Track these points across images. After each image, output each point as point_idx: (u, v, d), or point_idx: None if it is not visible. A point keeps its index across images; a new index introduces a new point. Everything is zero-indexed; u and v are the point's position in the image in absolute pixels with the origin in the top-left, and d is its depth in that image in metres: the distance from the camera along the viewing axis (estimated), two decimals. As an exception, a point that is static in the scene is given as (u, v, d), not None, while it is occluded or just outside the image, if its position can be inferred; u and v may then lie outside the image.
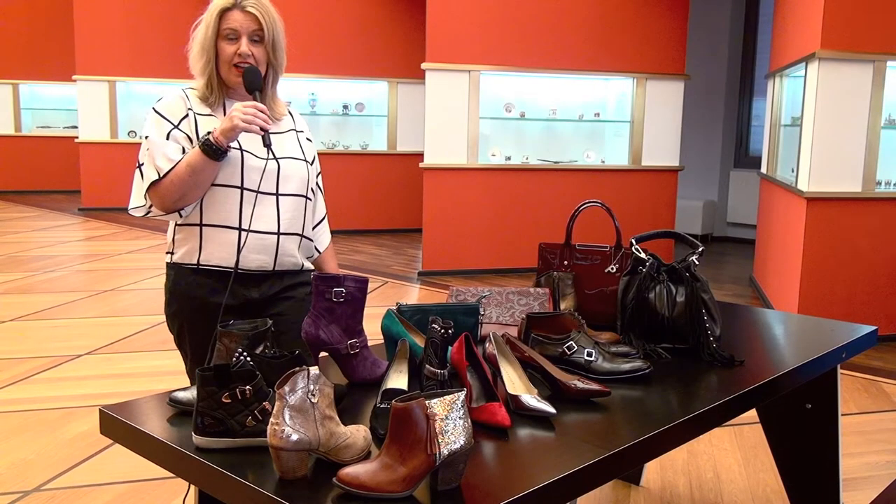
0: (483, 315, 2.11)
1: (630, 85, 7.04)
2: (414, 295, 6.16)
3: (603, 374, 1.84)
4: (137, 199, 2.03)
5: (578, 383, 1.71)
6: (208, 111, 2.03)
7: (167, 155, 1.96)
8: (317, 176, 2.23)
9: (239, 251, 1.99)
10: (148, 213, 2.02)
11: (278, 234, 2.05)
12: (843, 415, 3.09)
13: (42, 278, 6.41)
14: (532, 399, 1.61)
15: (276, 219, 2.04)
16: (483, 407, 1.57)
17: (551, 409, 1.59)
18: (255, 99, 1.99)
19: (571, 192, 6.85)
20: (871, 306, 4.97)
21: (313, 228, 2.24)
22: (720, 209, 9.08)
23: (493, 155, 6.95)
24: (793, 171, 5.31)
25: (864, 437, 3.53)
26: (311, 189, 2.17)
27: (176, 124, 1.99)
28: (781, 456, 2.65)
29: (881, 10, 4.77)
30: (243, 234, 2.00)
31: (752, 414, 2.74)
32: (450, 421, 1.27)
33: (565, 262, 2.37)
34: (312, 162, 2.19)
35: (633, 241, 2.17)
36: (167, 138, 1.97)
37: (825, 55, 4.73)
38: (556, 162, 7.04)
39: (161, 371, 4.17)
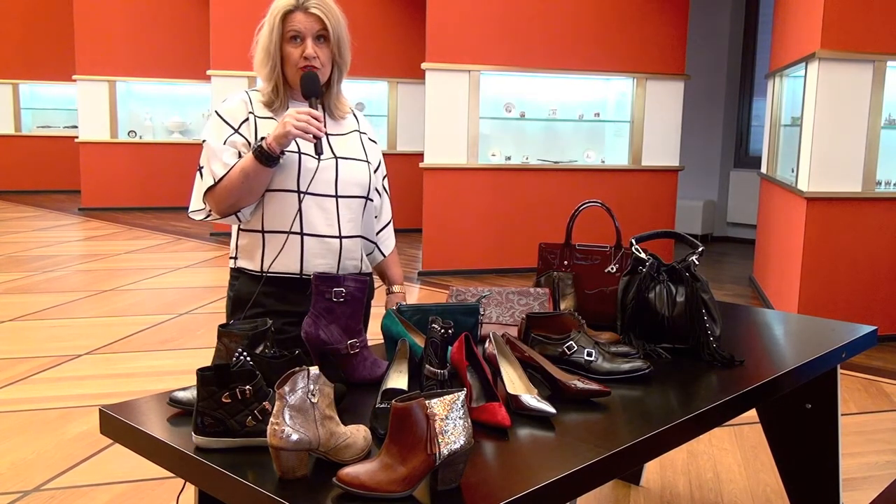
0: (483, 315, 2.11)
1: (630, 85, 7.04)
2: (414, 295, 6.16)
3: (603, 374, 1.84)
4: (197, 203, 2.02)
5: (578, 383, 1.71)
6: (269, 114, 2.01)
7: (223, 160, 1.95)
8: (383, 179, 2.21)
9: (302, 256, 1.98)
10: (207, 216, 2.01)
11: (340, 237, 2.02)
12: (843, 415, 3.09)
13: (42, 278, 6.41)
14: (532, 399, 1.61)
15: (336, 221, 2.02)
16: (483, 407, 1.57)
17: (551, 409, 1.59)
18: (311, 105, 1.97)
19: (571, 192, 6.85)
20: (871, 306, 4.97)
21: (378, 233, 2.22)
22: (720, 209, 9.08)
23: (493, 155, 6.95)
24: (793, 171, 5.31)
25: (864, 437, 3.53)
26: (376, 190, 2.16)
27: (236, 128, 1.98)
28: (781, 456, 2.65)
29: (881, 10, 4.77)
30: (305, 238, 1.98)
31: (752, 414, 2.74)
32: (450, 421, 1.27)
33: (565, 262, 2.37)
34: (378, 166, 2.16)
35: (633, 241, 2.17)
36: (224, 143, 1.96)
37: (825, 55, 4.73)
38: (556, 162, 7.04)
39: (161, 371, 4.17)
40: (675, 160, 7.20)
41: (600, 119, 7.18)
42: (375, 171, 2.16)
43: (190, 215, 2.04)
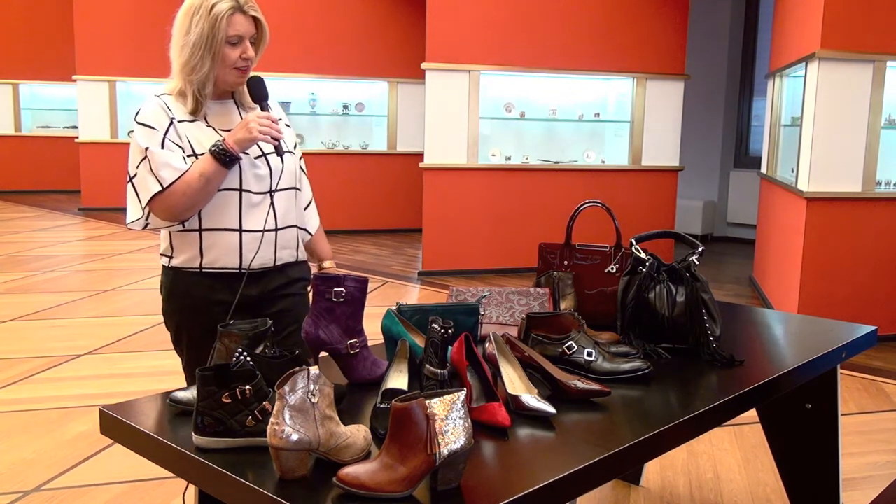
0: (483, 315, 2.11)
1: (630, 85, 7.04)
2: (414, 295, 6.16)
3: (603, 374, 1.84)
4: (135, 212, 2.00)
5: (578, 383, 1.71)
6: (191, 117, 2.00)
7: (171, 164, 1.92)
8: (299, 160, 2.22)
9: (241, 252, 2.01)
10: (146, 225, 2.01)
11: (276, 229, 2.06)
12: (843, 415, 3.09)
13: (42, 278, 6.41)
14: (532, 399, 1.61)
15: (273, 215, 2.05)
16: (483, 407, 1.57)
17: (551, 409, 1.59)
18: (263, 108, 2.00)
19: (571, 192, 6.84)
20: (871, 306, 4.97)
21: (306, 205, 2.26)
22: (720, 209, 9.08)
23: (493, 155, 6.95)
24: (793, 171, 5.31)
25: (864, 437, 3.53)
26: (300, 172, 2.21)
27: (164, 133, 1.96)
28: (781, 456, 2.65)
29: (881, 10, 4.77)
30: (244, 234, 2.01)
31: (752, 414, 2.74)
32: (450, 421, 1.27)
33: (565, 262, 2.37)
34: (295, 148, 2.19)
35: (633, 241, 2.17)
36: (162, 147, 1.94)
37: (825, 55, 4.73)
38: (556, 162, 7.04)
39: (161, 371, 4.17)
40: (675, 160, 7.20)
41: (600, 119, 7.18)
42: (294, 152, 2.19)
43: (129, 226, 2.04)
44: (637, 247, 2.15)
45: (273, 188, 2.06)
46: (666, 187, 7.18)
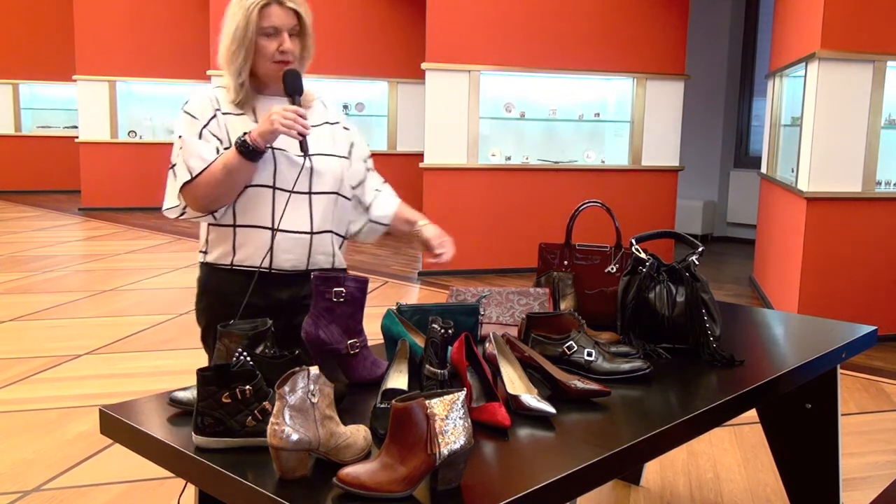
0: (483, 315, 2.11)
1: (630, 85, 7.04)
2: (414, 295, 6.16)
3: (603, 374, 1.84)
4: (171, 200, 2.01)
5: (578, 383, 1.71)
6: (238, 111, 2.00)
7: (201, 154, 1.94)
8: (366, 159, 2.21)
9: (271, 251, 1.99)
10: (182, 213, 2.00)
11: (311, 232, 2.03)
12: (843, 415, 3.09)
13: (42, 278, 6.41)
14: (532, 399, 1.61)
15: (308, 217, 2.02)
16: (483, 407, 1.57)
17: (551, 409, 1.59)
18: (294, 102, 1.96)
19: (571, 192, 6.84)
20: (871, 306, 4.97)
21: (372, 200, 2.21)
22: (720, 209, 9.08)
23: (493, 155, 6.95)
24: (793, 171, 5.31)
25: (864, 437, 3.53)
26: (367, 169, 2.19)
27: (205, 124, 1.98)
28: (781, 456, 2.65)
29: (881, 10, 4.77)
30: (276, 233, 1.98)
31: (752, 414, 2.73)
32: (450, 421, 1.27)
33: (565, 262, 2.36)
34: (350, 149, 2.15)
35: (633, 241, 2.17)
36: (199, 137, 1.96)
37: (825, 55, 4.72)
38: (556, 162, 7.04)
39: (161, 371, 4.17)
40: (675, 160, 7.20)
41: (600, 119, 7.18)
42: (349, 157, 2.15)
43: (164, 213, 2.04)
44: (637, 247, 2.15)
45: (311, 189, 2.02)
46: (666, 187, 7.18)
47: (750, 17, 8.86)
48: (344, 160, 2.11)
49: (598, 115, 7.11)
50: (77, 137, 10.31)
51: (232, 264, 2.02)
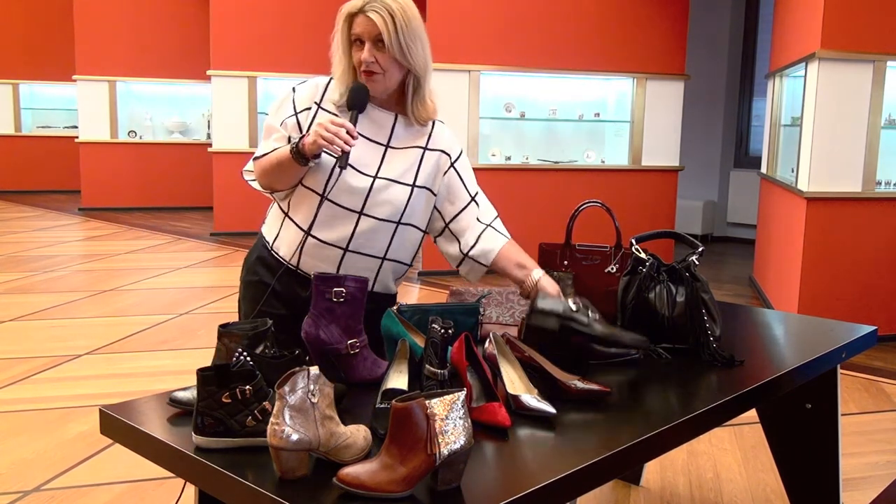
0: (483, 315, 2.11)
1: (630, 85, 7.04)
2: (414, 295, 6.16)
3: (604, 338, 1.87)
4: (250, 165, 2.09)
5: (578, 383, 1.72)
6: (334, 109, 2.00)
7: (271, 139, 2.01)
8: (468, 189, 2.14)
9: (300, 252, 2.03)
10: (253, 180, 2.09)
11: (345, 249, 2.01)
12: (843, 415, 3.09)
13: (42, 278, 6.41)
14: (532, 399, 1.61)
15: (349, 235, 2.00)
16: (483, 407, 1.57)
17: (551, 409, 1.59)
18: (351, 118, 1.92)
19: (571, 192, 6.84)
20: (871, 306, 4.96)
21: (472, 235, 2.11)
22: (720, 209, 9.08)
23: (493, 155, 6.95)
24: (793, 171, 5.31)
25: (864, 437, 3.53)
26: (469, 196, 2.12)
27: (296, 112, 2.01)
28: (781, 456, 2.65)
29: (881, 10, 4.77)
30: (309, 237, 2.02)
31: (752, 414, 2.74)
32: (450, 421, 1.27)
33: (565, 262, 2.36)
34: (431, 184, 2.06)
35: (633, 241, 2.17)
36: (280, 124, 2.02)
37: (825, 55, 4.72)
38: (556, 162, 7.04)
39: (161, 371, 4.17)
40: (675, 160, 7.20)
41: (600, 119, 7.17)
42: (429, 187, 2.06)
43: (243, 172, 2.13)
44: (637, 247, 2.15)
45: (363, 210, 1.99)
46: (666, 187, 7.18)
47: (750, 17, 8.86)
48: (415, 189, 2.03)
49: (598, 115, 7.11)
50: (77, 137, 10.31)
51: (271, 247, 2.09)
